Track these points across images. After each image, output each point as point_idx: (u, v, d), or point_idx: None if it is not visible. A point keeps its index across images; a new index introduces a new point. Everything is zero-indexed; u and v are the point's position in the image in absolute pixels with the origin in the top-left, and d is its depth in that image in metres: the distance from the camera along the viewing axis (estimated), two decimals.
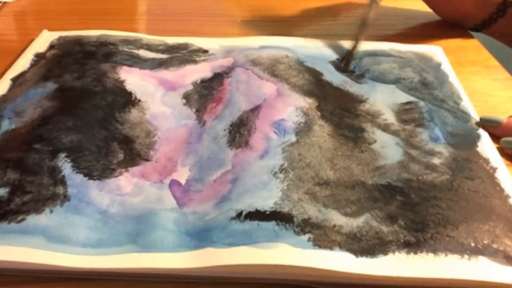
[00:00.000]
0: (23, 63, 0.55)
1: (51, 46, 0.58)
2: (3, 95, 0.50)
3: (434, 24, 0.67)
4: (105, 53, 0.56)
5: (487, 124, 0.47)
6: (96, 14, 0.70)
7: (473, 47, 0.63)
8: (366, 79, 0.54)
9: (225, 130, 0.46)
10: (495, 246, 0.36)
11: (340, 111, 0.49)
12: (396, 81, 0.54)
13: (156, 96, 0.50)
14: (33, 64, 0.55)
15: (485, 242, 0.36)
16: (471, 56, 0.61)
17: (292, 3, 0.73)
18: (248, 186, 0.40)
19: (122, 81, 0.52)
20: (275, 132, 0.45)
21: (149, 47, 0.59)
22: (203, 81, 0.53)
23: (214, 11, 0.71)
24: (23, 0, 0.73)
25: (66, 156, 0.42)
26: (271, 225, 0.36)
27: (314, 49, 0.59)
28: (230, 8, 0.73)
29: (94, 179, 0.41)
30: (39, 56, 0.56)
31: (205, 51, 0.58)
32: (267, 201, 0.38)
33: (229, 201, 0.39)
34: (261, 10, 0.72)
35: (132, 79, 0.52)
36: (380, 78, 0.54)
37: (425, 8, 0.68)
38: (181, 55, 0.57)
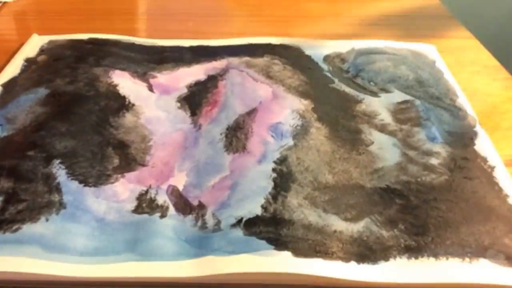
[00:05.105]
0: (13, 69, 0.54)
1: (41, 51, 0.57)
2: None
3: (434, 24, 0.67)
4: (97, 57, 0.56)
5: None
6: (96, 14, 0.69)
7: (473, 47, 0.63)
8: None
9: (221, 134, 0.45)
10: (496, 247, 0.36)
11: (336, 112, 0.48)
12: (391, 80, 0.53)
13: (150, 100, 0.50)
14: (23, 70, 0.54)
15: (486, 244, 0.36)
16: (471, 56, 0.61)
17: (292, 3, 0.73)
18: (247, 192, 0.39)
19: (115, 85, 0.51)
20: (272, 136, 0.45)
21: (141, 50, 0.58)
22: (197, 84, 0.52)
23: (214, 11, 0.71)
24: (23, 0, 0.73)
25: (61, 163, 0.42)
26: (271, 232, 0.36)
27: (311, 49, 0.59)
28: (230, 8, 0.72)
29: (90, 186, 0.40)
30: (29, 61, 0.56)
31: (199, 53, 0.58)
32: (267, 207, 0.38)
33: (229, 208, 0.38)
34: (260, 10, 0.71)
35: (125, 83, 0.52)
36: (375, 77, 0.54)
37: (425, 8, 0.68)
38: (174, 58, 0.57)
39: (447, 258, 0.35)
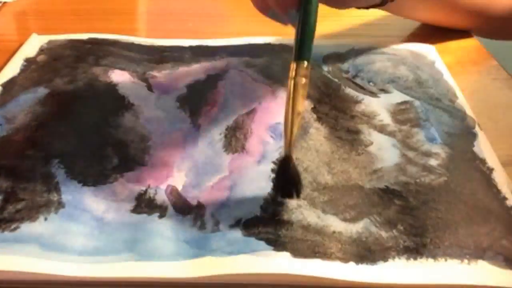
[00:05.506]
0: (12, 68, 0.54)
1: (41, 51, 0.57)
2: None
3: None
4: (96, 56, 0.56)
5: None
6: (96, 14, 0.69)
7: (473, 47, 0.63)
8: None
9: (220, 134, 0.45)
10: (494, 249, 0.36)
11: (335, 113, 0.48)
12: (391, 80, 0.53)
13: (149, 100, 0.50)
14: (23, 69, 0.54)
15: (484, 245, 0.36)
16: (471, 56, 0.61)
17: None
18: (246, 193, 0.39)
19: (115, 85, 0.51)
20: (271, 136, 0.45)
21: (141, 49, 0.58)
22: (196, 84, 0.52)
23: (214, 11, 0.71)
24: (23, 0, 0.73)
25: (60, 162, 0.42)
26: (270, 232, 0.36)
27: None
28: (230, 8, 0.72)
29: (89, 185, 0.40)
30: (29, 61, 0.56)
31: (198, 53, 0.58)
32: (266, 207, 0.38)
33: (228, 208, 0.38)
34: None
35: (125, 82, 0.52)
36: (374, 78, 0.54)
37: None
38: (173, 57, 0.57)
39: (445, 259, 0.35)
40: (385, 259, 0.35)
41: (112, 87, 0.51)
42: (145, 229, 0.37)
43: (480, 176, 0.42)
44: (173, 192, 0.40)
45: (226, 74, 0.53)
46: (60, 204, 0.38)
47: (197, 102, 0.50)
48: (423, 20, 0.65)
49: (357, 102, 0.50)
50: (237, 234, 0.36)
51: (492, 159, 0.43)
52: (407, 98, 0.51)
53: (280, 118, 0.46)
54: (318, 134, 0.45)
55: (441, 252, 0.35)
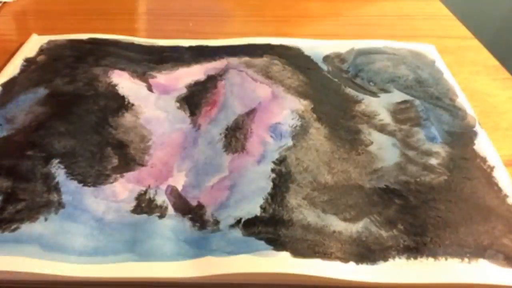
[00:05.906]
0: (12, 69, 0.54)
1: (41, 51, 0.57)
2: None
3: (434, 24, 0.67)
4: (96, 56, 0.56)
5: None
6: (96, 14, 0.69)
7: (473, 47, 0.63)
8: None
9: (220, 134, 0.45)
10: (495, 247, 0.36)
11: (336, 113, 0.48)
12: (391, 80, 0.53)
13: (149, 100, 0.50)
14: (23, 70, 0.54)
15: (485, 244, 0.36)
16: (471, 56, 0.61)
17: (292, 3, 0.73)
18: (246, 193, 0.39)
19: (114, 85, 0.51)
20: (271, 136, 0.45)
21: (141, 49, 0.58)
22: (196, 84, 0.52)
23: (214, 11, 0.71)
24: (23, 0, 0.73)
25: (60, 163, 0.42)
26: (270, 232, 0.36)
27: (310, 49, 0.58)
28: (230, 8, 0.72)
29: (89, 186, 0.40)
30: (29, 61, 0.55)
31: (198, 53, 0.58)
32: (266, 207, 0.38)
33: (228, 208, 0.38)
34: (261, 10, 0.71)
35: (125, 82, 0.52)
36: (375, 77, 0.54)
37: (425, 8, 0.68)
38: (173, 58, 0.57)
39: (446, 259, 0.35)
40: (385, 258, 0.35)
41: (112, 87, 0.51)
42: (145, 229, 0.37)
43: (481, 174, 0.42)
44: (173, 192, 0.40)
45: (226, 74, 0.53)
46: (60, 205, 0.38)
47: (197, 102, 0.50)
48: None
49: (357, 102, 0.50)
50: (237, 234, 0.36)
51: (493, 158, 0.43)
52: (407, 97, 0.51)
53: (280, 118, 0.47)
54: (318, 134, 0.45)
55: (442, 251, 0.35)
